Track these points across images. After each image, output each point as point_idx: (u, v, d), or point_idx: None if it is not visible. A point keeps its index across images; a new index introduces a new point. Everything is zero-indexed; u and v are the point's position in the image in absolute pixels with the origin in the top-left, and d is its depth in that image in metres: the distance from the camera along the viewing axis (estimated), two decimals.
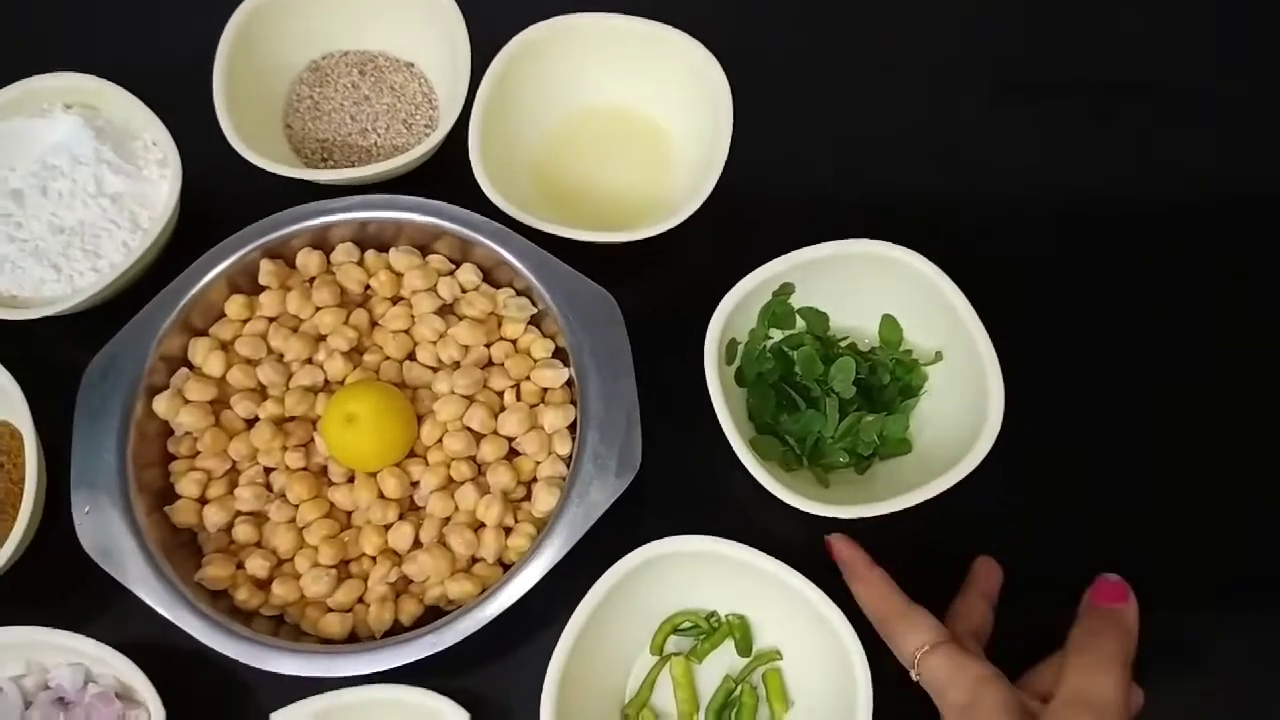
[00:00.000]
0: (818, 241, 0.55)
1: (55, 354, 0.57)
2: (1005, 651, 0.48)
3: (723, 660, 0.52)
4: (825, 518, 0.50)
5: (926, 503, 0.50)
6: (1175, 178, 0.64)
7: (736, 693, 0.51)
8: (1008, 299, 0.54)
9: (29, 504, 0.51)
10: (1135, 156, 0.65)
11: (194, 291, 0.53)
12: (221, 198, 0.58)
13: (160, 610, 0.47)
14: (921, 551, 0.51)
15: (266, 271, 0.54)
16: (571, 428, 0.52)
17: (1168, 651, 0.52)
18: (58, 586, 0.53)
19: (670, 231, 0.55)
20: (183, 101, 0.58)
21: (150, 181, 0.58)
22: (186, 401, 0.51)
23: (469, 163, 0.57)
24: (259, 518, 0.51)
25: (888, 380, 0.55)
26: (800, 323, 0.57)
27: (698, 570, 0.51)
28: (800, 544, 0.51)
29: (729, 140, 0.57)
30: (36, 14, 0.68)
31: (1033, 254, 0.62)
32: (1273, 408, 0.59)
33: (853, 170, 0.63)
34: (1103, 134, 0.65)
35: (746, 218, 0.58)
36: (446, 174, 0.58)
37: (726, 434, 0.51)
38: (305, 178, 0.57)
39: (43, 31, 0.67)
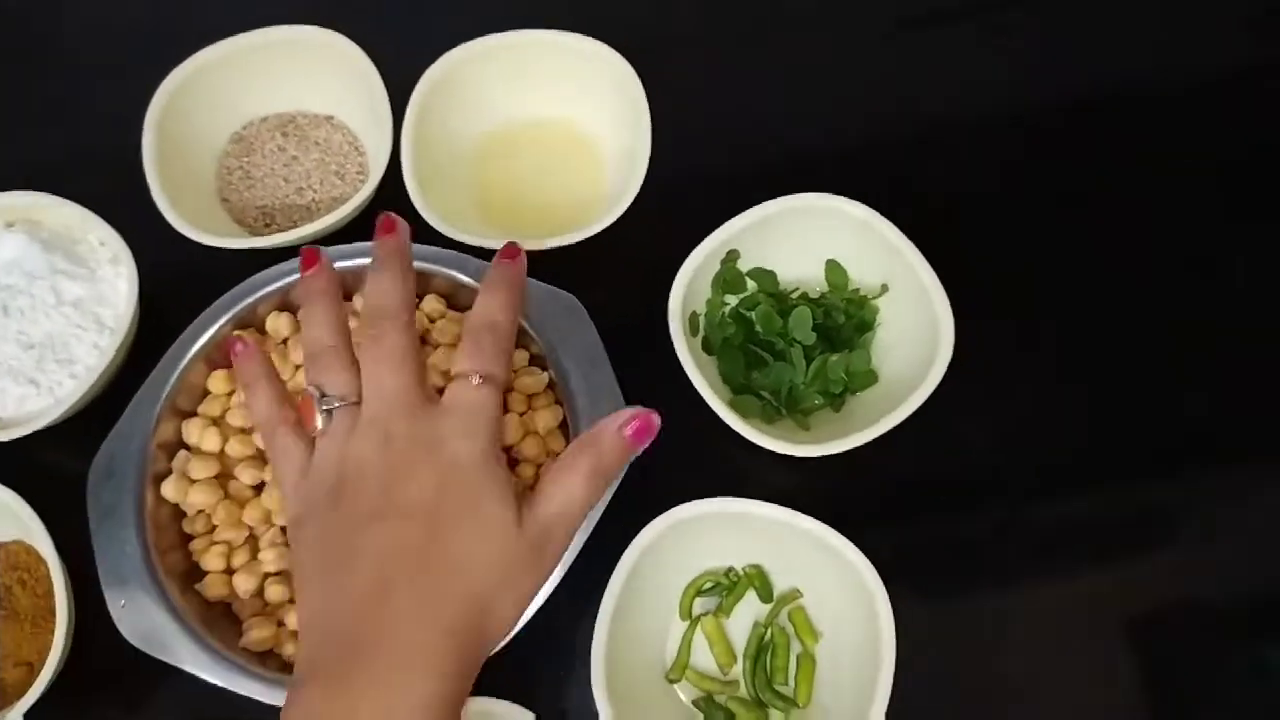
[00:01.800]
0: (748, 206, 0.58)
1: (51, 466, 0.58)
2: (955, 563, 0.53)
3: (749, 610, 0.56)
4: (811, 458, 0.53)
5: (906, 426, 0.53)
6: (1081, 82, 0.69)
7: (767, 636, 0.54)
8: (940, 222, 0.58)
9: (63, 611, 0.52)
10: (1039, 68, 0.69)
11: (175, 376, 0.54)
12: (177, 281, 0.59)
13: (216, 681, 0.49)
14: (909, 476, 0.55)
15: None
16: (561, 427, 0.55)
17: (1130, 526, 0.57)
18: (104, 684, 0.55)
19: (613, 226, 0.58)
20: (117, 195, 0.60)
21: (106, 281, 0.59)
22: (193, 481, 0.53)
23: (409, 199, 0.59)
24: (286, 574, 0.53)
25: (843, 320, 0.58)
26: (751, 284, 0.60)
27: (708, 532, 0.54)
28: (795, 487, 0.55)
29: (650, 131, 0.59)
30: None
31: (958, 175, 0.66)
32: (1202, 301, 0.63)
33: (772, 131, 0.66)
34: (1005, 51, 0.69)
35: (681, 198, 0.60)
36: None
37: (706, 400, 0.54)
38: (255, 246, 0.59)
39: None
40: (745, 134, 0.66)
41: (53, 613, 0.55)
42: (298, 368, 0.55)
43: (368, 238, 0.58)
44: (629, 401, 0.53)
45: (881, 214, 0.57)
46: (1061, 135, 0.67)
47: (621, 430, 0.45)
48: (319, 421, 0.45)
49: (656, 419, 0.46)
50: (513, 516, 0.43)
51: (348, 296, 0.57)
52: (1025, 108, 0.68)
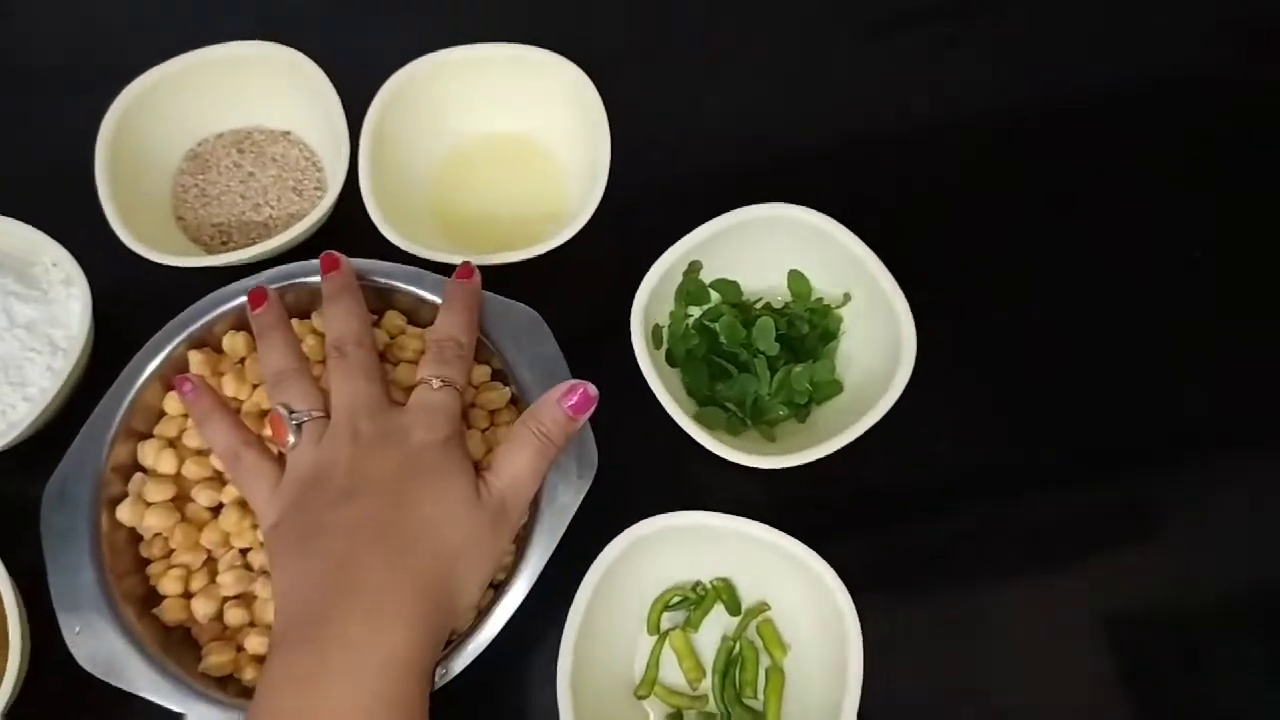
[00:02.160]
0: (709, 218, 0.58)
1: (3, 489, 0.57)
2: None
3: (717, 624, 0.55)
4: (777, 470, 0.53)
5: (871, 435, 0.53)
6: (1041, 85, 0.69)
7: (736, 650, 0.54)
8: (901, 229, 0.58)
9: (16, 636, 0.51)
10: (997, 73, 0.69)
11: (130, 397, 0.53)
12: (131, 302, 0.59)
13: (173, 708, 0.48)
14: (875, 485, 0.55)
15: (196, 362, 0.54)
16: None
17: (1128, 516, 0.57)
18: (61, 710, 0.54)
19: (573, 240, 0.58)
20: (68, 215, 0.59)
21: (59, 302, 0.58)
22: (149, 504, 0.52)
23: (367, 215, 0.58)
24: (246, 598, 0.52)
25: (806, 330, 0.58)
26: (714, 295, 0.60)
27: (674, 546, 0.53)
28: (761, 500, 0.54)
29: (609, 144, 0.59)
30: None
31: (918, 183, 0.66)
32: (1162, 301, 0.63)
33: (733, 141, 0.67)
34: (965, 58, 0.70)
35: (642, 210, 0.60)
36: (348, 230, 0.59)
37: (670, 413, 0.54)
38: (210, 264, 0.58)
39: None
40: (705, 145, 0.66)
41: (6, 638, 0.54)
42: (255, 386, 0.55)
43: (324, 250, 0.57)
44: (594, 415, 0.53)
45: (843, 223, 0.57)
46: (1022, 141, 0.67)
47: (561, 403, 0.49)
48: (290, 436, 0.48)
49: (594, 390, 0.49)
50: (472, 488, 0.47)
51: (306, 314, 0.57)
52: (986, 115, 0.68)
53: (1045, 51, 0.70)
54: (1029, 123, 0.68)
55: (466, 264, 0.55)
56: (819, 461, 0.53)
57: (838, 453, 0.53)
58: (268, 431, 0.51)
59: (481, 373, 0.55)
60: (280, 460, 0.49)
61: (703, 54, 0.70)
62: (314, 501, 0.47)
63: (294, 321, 0.56)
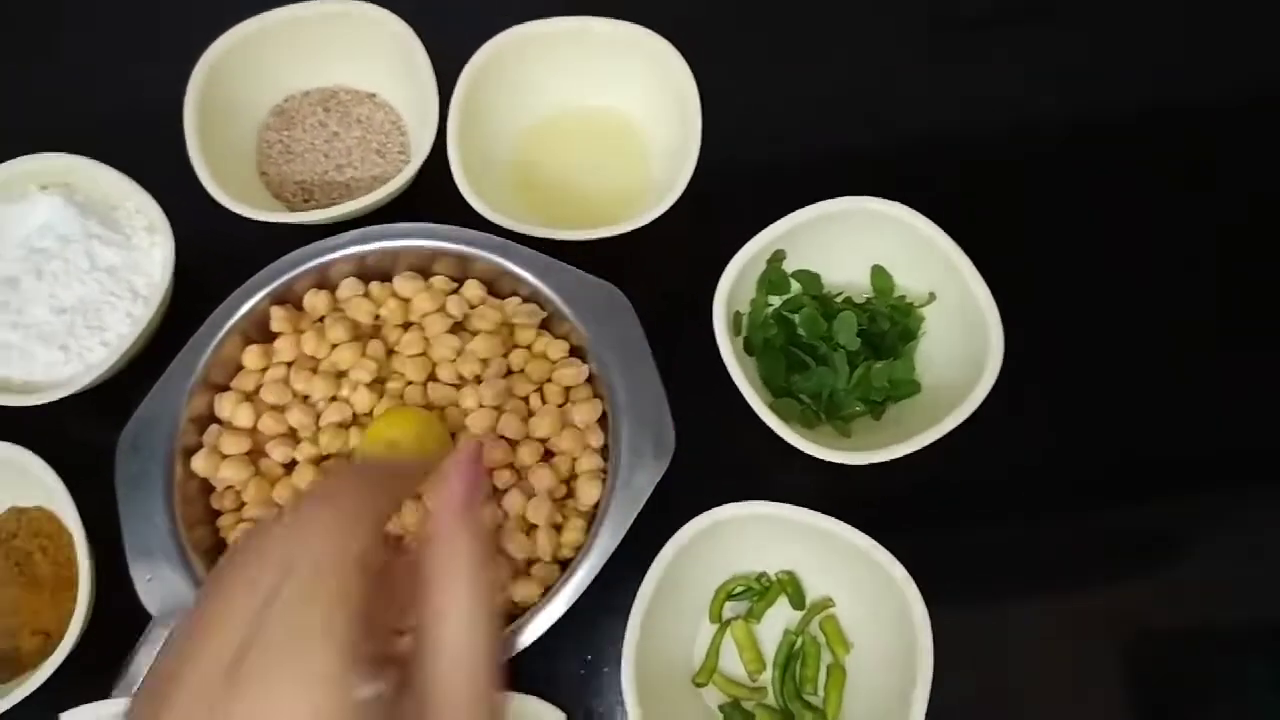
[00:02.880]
0: (795, 206, 0.57)
1: (77, 433, 0.57)
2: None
3: (780, 617, 0.55)
4: (851, 465, 0.53)
5: (949, 437, 0.52)
6: (1120, 92, 0.68)
7: (798, 644, 0.54)
8: (991, 230, 0.57)
9: (86, 581, 0.51)
10: (1075, 77, 0.68)
11: (210, 349, 0.53)
12: (211, 253, 0.59)
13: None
14: (944, 487, 0.54)
15: (278, 318, 0.55)
16: (600, 421, 0.54)
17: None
18: (121, 657, 0.54)
19: (658, 220, 0.57)
20: (155, 164, 0.59)
21: (141, 249, 0.58)
22: (224, 456, 0.52)
23: (450, 182, 0.58)
24: None
25: (887, 327, 0.57)
26: (795, 285, 0.59)
27: (742, 534, 0.53)
28: (832, 494, 0.54)
29: (700, 125, 0.58)
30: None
31: (1004, 184, 0.65)
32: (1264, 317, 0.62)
33: (825, 130, 0.66)
34: (1036, 61, 0.69)
35: (729, 194, 0.60)
36: (431, 196, 0.59)
37: (747, 399, 0.53)
38: (293, 221, 0.58)
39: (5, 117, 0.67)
40: (796, 132, 0.65)
41: (72, 582, 0.55)
42: (334, 346, 0.55)
43: (407, 216, 0.57)
44: (671, 399, 0.52)
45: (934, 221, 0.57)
46: (1122, 147, 0.66)
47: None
48: None
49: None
50: None
51: (387, 277, 0.57)
52: (1071, 118, 0.67)
53: (1140, 55, 0.69)
54: (1117, 126, 0.67)
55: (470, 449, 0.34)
56: (893, 460, 0.53)
57: (913, 453, 0.53)
58: None
59: (560, 348, 0.55)
60: None
61: (798, 40, 0.69)
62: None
63: (374, 286, 0.56)
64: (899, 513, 0.55)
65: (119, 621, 0.51)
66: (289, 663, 0.28)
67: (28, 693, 0.50)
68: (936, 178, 0.64)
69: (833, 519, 0.51)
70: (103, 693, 0.50)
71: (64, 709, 0.50)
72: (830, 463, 0.53)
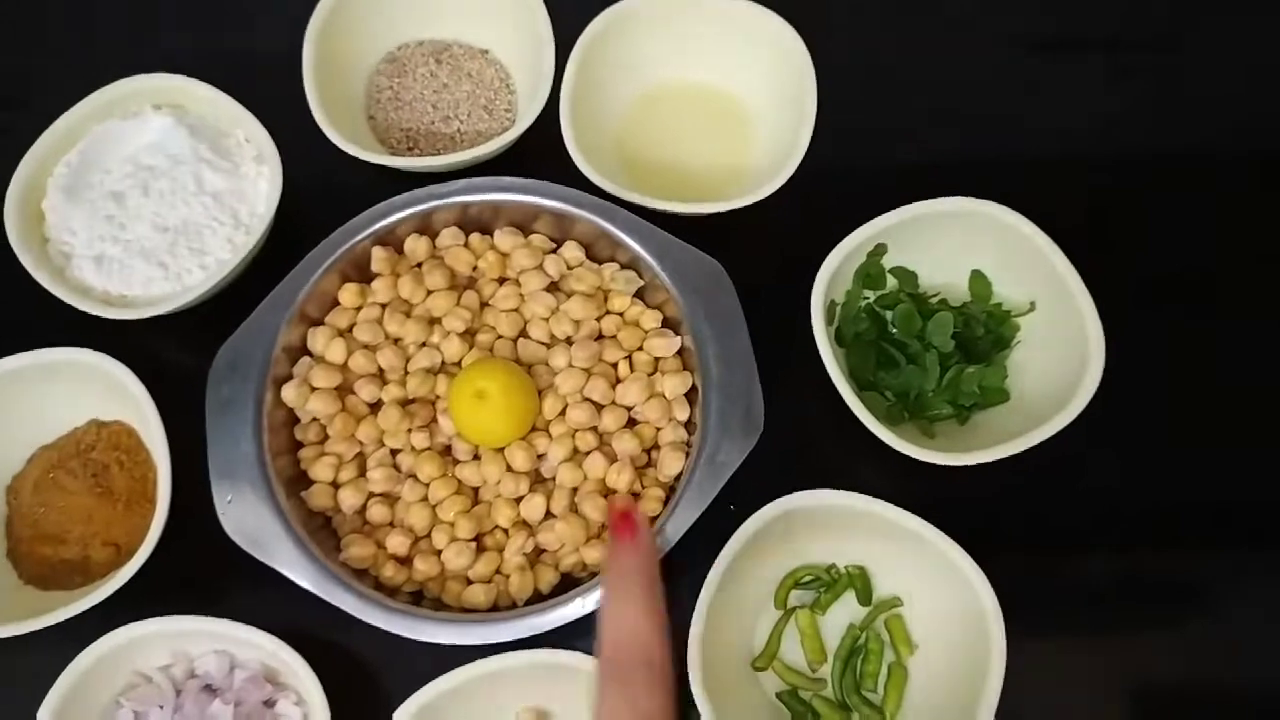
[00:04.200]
0: (897, 203, 0.56)
1: (167, 352, 0.58)
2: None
3: (845, 611, 0.54)
4: (936, 465, 0.52)
5: (1038, 449, 0.52)
6: (1223, 124, 0.67)
7: (861, 640, 0.53)
8: (1103, 248, 0.56)
9: (165, 495, 0.52)
10: (1206, 105, 0.67)
11: (311, 282, 0.54)
12: (315, 190, 0.59)
13: (314, 590, 0.49)
14: (1023, 498, 0.54)
15: (378, 259, 0.55)
16: (688, 395, 0.53)
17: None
18: (190, 578, 0.54)
19: (760, 201, 0.57)
20: (269, 97, 0.59)
21: (248, 179, 0.58)
22: (314, 389, 0.52)
23: (555, 143, 0.58)
24: (390, 497, 0.52)
25: (981, 333, 0.57)
26: (891, 281, 0.59)
27: (819, 523, 0.52)
28: (912, 492, 0.53)
29: (814, 111, 0.58)
30: (111, 18, 0.68)
31: (1124, 206, 0.64)
32: None
33: (939, 129, 0.65)
34: (1167, 88, 0.68)
35: (835, 183, 0.59)
36: (537, 156, 0.59)
37: (838, 388, 0.53)
38: (400, 166, 0.59)
39: (122, 34, 0.68)
40: (910, 129, 0.65)
41: (147, 497, 0.55)
42: (430, 293, 0.55)
43: (510, 172, 0.57)
44: (762, 376, 0.52)
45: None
46: (1251, 179, 0.65)
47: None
48: None
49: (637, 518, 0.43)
50: None
51: (488, 230, 0.57)
52: (1215, 148, 0.66)
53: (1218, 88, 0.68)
54: (1248, 157, 0.66)
55: (625, 514, 0.43)
56: (979, 466, 0.52)
57: (997, 461, 0.52)
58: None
59: (653, 317, 0.55)
60: None
61: (920, 39, 0.68)
62: None
63: (474, 238, 0.56)
64: (976, 520, 0.54)
65: (191, 541, 0.52)
66: None
67: (95, 602, 0.51)
68: (1052, 190, 0.62)
69: (916, 517, 0.51)
70: (169, 609, 0.51)
71: (128, 622, 0.50)
72: (912, 461, 0.52)
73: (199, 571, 0.54)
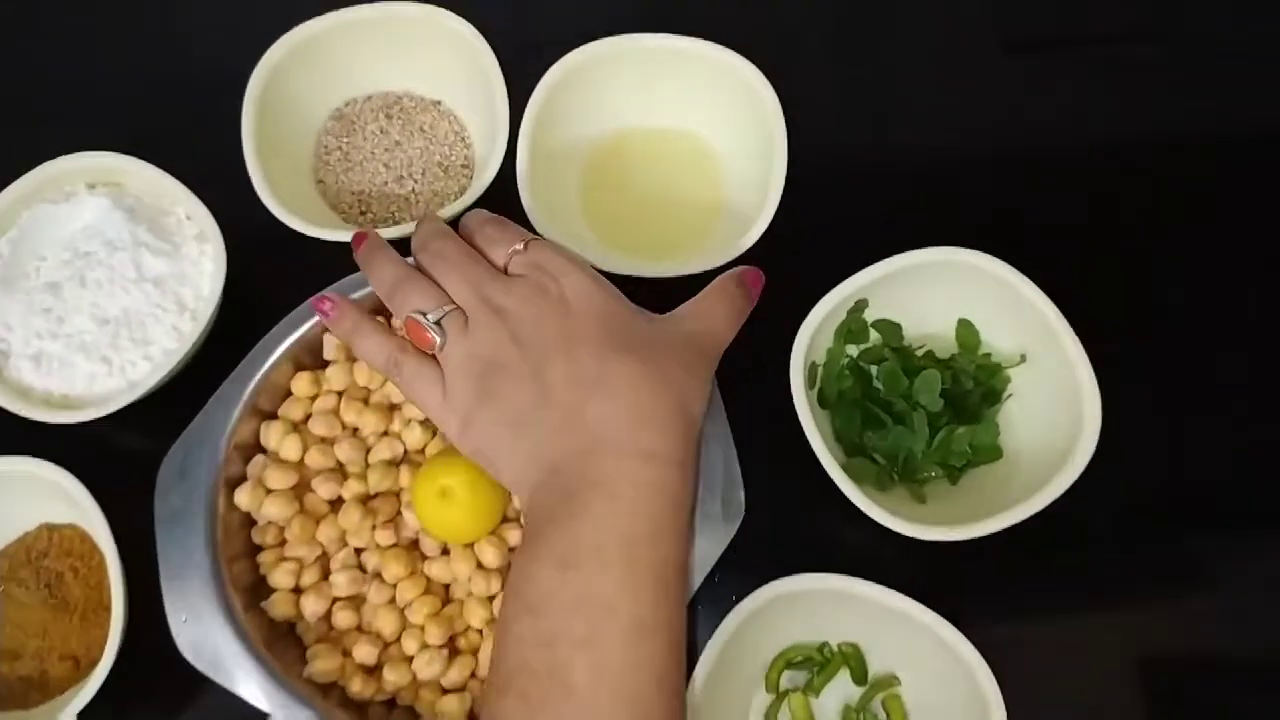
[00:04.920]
0: (880, 250, 0.53)
1: (115, 451, 0.55)
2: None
3: (839, 691, 0.52)
4: (928, 541, 0.49)
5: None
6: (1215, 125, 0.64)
7: None
8: (1092, 292, 0.53)
9: (119, 607, 0.49)
10: (1168, 107, 0.64)
11: (260, 375, 0.51)
12: (263, 266, 0.56)
13: (276, 714, 0.46)
14: (1031, 566, 0.51)
15: (331, 345, 0.52)
16: None
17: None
18: (151, 687, 0.52)
19: (731, 260, 0.54)
20: (210, 169, 0.56)
21: (190, 259, 0.55)
22: (269, 492, 0.50)
23: (514, 200, 0.55)
24: (356, 600, 0.50)
25: (971, 386, 0.54)
26: (874, 335, 0.56)
27: (807, 604, 0.50)
28: (903, 565, 0.51)
29: (785, 159, 0.55)
30: (44, 95, 0.65)
31: (1111, 246, 0.61)
32: None
33: (913, 169, 0.62)
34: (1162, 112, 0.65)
35: (804, 234, 0.55)
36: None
37: (822, 462, 0.50)
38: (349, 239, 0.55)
39: (53, 112, 0.65)
40: (883, 170, 0.62)
41: (104, 606, 0.53)
42: (385, 380, 0.52)
43: None
44: (742, 459, 0.49)
45: (1025, 275, 0.53)
46: (1197, 185, 0.62)
47: (742, 283, 0.50)
48: (435, 337, 0.46)
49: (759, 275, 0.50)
50: (639, 315, 0.47)
51: None
52: (1179, 149, 0.63)
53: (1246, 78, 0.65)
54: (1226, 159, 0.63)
55: (755, 274, 0.51)
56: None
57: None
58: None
59: None
60: (436, 363, 0.47)
61: (889, 72, 0.65)
62: (502, 387, 0.45)
63: None
64: (972, 591, 0.52)
65: (152, 650, 0.49)
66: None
67: None
68: (1036, 231, 0.60)
69: (904, 597, 0.48)
70: None
71: None
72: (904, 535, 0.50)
73: (162, 683, 0.51)
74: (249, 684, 0.46)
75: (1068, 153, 0.64)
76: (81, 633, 0.52)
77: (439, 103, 0.61)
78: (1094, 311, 0.52)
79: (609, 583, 0.41)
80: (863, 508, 0.49)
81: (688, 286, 0.53)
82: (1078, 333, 0.51)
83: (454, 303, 0.46)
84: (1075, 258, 0.59)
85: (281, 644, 0.49)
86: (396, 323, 0.50)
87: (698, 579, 0.47)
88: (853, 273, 0.53)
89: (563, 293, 0.46)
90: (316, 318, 0.51)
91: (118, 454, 0.55)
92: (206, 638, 0.47)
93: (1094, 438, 0.50)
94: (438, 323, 0.46)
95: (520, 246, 0.48)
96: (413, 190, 0.59)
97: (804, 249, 0.55)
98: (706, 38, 0.58)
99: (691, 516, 0.46)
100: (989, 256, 0.53)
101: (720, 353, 0.49)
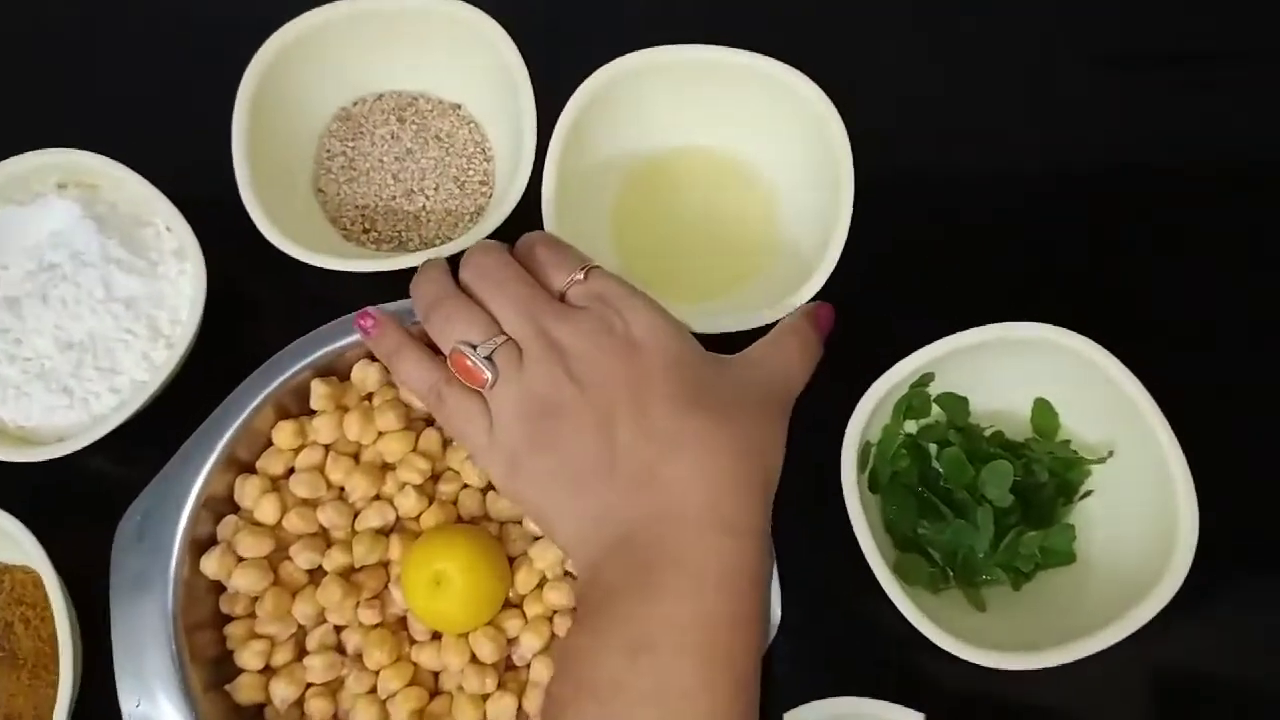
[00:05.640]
0: (952, 311, 0.47)
1: (74, 491, 0.49)
2: None
3: None
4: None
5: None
6: None
7: None
8: (1191, 380, 0.46)
9: (68, 667, 0.44)
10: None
11: (237, 425, 0.45)
12: (251, 290, 0.50)
13: None
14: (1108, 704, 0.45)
15: (319, 394, 0.45)
16: None
17: None
18: None
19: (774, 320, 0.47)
20: (190, 175, 0.49)
21: (168, 279, 0.49)
22: (240, 560, 0.44)
23: (535, 226, 0.48)
24: (333, 686, 0.44)
25: (1045, 479, 0.47)
26: (936, 409, 0.49)
27: None
28: (959, 690, 0.45)
29: (851, 193, 0.48)
30: (17, 88, 0.58)
31: (1209, 327, 0.54)
32: None
33: (986, 220, 0.55)
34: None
35: (864, 285, 0.49)
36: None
37: (872, 566, 0.44)
38: (350, 269, 0.48)
39: (26, 106, 0.57)
40: (962, 215, 0.54)
41: (55, 660, 0.47)
42: (381, 434, 0.46)
43: None
44: (779, 552, 0.43)
45: (1116, 350, 0.46)
46: None
47: (814, 319, 0.45)
48: (487, 375, 0.41)
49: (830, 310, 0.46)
50: (721, 361, 0.43)
51: None
52: None
53: None
54: None
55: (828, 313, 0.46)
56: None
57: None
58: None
59: None
60: (481, 398, 0.42)
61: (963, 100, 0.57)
62: (560, 433, 0.40)
63: None
64: None
65: (107, 712, 0.44)
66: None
67: None
68: (1127, 305, 0.53)
69: None
70: None
71: None
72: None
73: None
74: None
75: (1178, 191, 0.56)
76: (31, 691, 0.47)
77: (459, 106, 0.54)
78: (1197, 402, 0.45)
79: (685, 672, 0.37)
80: (916, 624, 0.43)
81: (732, 342, 0.46)
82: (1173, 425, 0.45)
83: (504, 332, 0.41)
84: (1184, 336, 0.52)
85: None
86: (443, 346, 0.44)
87: None
88: (919, 331, 0.46)
89: (629, 331, 0.41)
90: (305, 363, 0.45)
91: (74, 497, 0.49)
92: None
93: (1190, 550, 0.43)
94: (488, 357, 0.41)
95: (580, 275, 0.43)
96: (423, 207, 0.52)
97: (866, 298, 0.48)
98: (761, 51, 0.50)
99: (768, 593, 0.41)
100: (1078, 336, 0.46)
101: (793, 401, 0.44)
